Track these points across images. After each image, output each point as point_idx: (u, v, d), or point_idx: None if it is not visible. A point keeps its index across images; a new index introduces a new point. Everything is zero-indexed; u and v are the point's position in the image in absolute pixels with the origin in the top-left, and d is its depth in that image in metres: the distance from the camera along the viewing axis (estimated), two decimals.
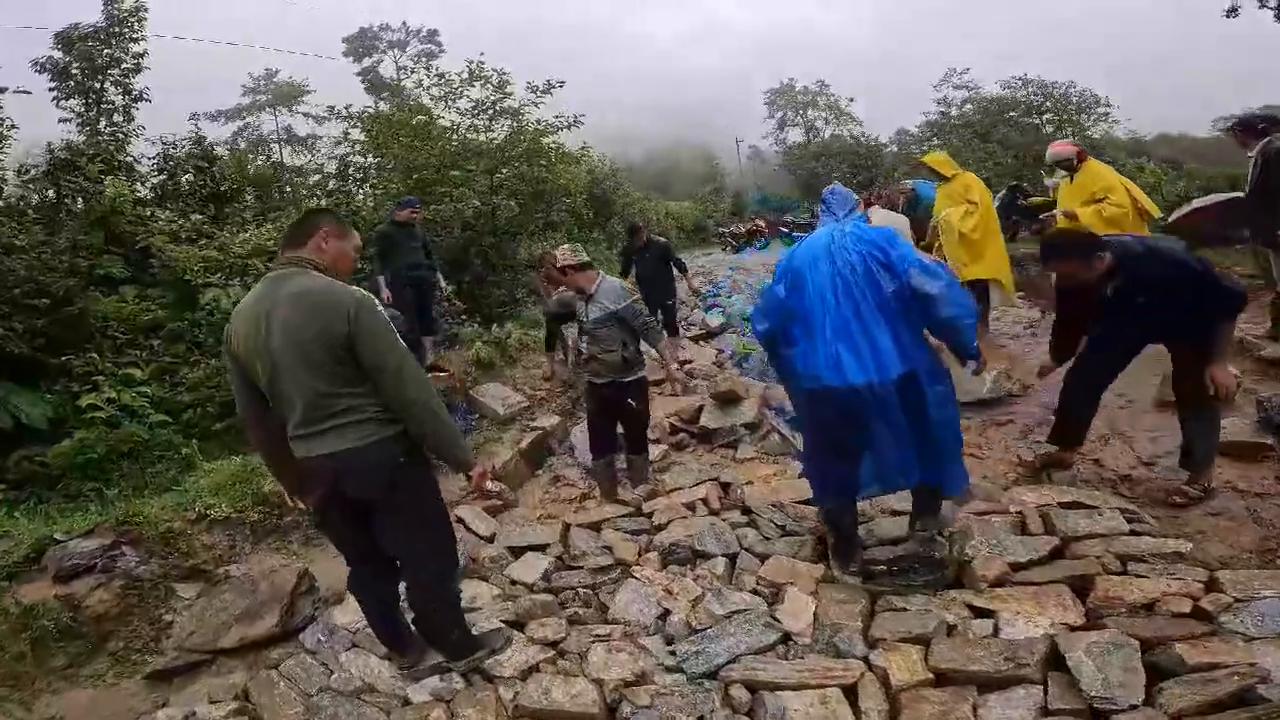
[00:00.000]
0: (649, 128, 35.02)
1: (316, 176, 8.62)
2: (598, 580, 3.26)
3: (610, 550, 3.46)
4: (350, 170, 8.43)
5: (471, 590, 3.26)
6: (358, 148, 8.47)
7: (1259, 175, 4.36)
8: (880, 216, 5.66)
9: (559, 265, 4.23)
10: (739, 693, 2.31)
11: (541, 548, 3.63)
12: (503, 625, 2.89)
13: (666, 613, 2.90)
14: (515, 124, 8.56)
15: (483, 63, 8.21)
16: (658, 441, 5.12)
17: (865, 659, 2.41)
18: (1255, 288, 5.29)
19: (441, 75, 8.15)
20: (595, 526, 3.80)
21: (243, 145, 24.20)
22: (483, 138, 8.55)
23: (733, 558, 3.26)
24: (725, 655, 2.50)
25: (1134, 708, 1.94)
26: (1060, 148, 5.24)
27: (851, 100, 33.19)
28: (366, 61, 35.08)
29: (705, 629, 2.68)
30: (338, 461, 2.19)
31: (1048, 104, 17.41)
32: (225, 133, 30.71)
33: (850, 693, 2.25)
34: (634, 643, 2.72)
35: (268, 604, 3.29)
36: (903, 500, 3.40)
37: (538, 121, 8.65)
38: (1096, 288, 3.13)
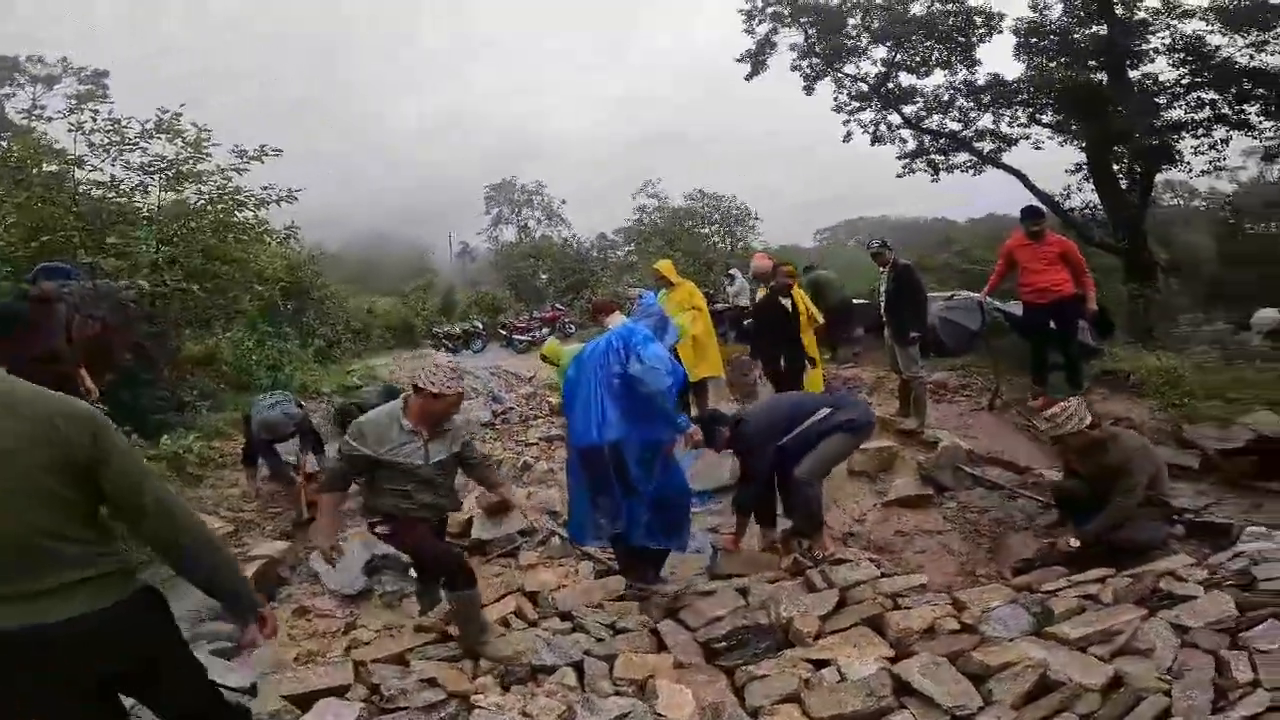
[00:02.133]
0: (353, 214, 32.59)
1: None
2: (433, 718, 2.71)
3: (435, 682, 2.91)
4: None
5: None
6: None
7: (894, 287, 5.91)
8: (617, 320, 6.23)
9: (436, 392, 3.09)
10: None
11: (339, 691, 2.88)
12: None
13: None
14: (214, 189, 7.15)
15: (179, 113, 6.73)
16: None
17: None
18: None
19: (116, 122, 6.36)
20: (399, 659, 3.18)
21: None
22: (155, 199, 6.93)
23: (578, 665, 3.05)
24: None
25: (982, 709, 2.39)
26: (761, 261, 6.46)
27: (564, 202, 35.56)
28: None
29: None
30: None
31: (716, 215, 21.28)
32: None
33: None
34: None
35: None
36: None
37: (237, 190, 7.33)
38: None
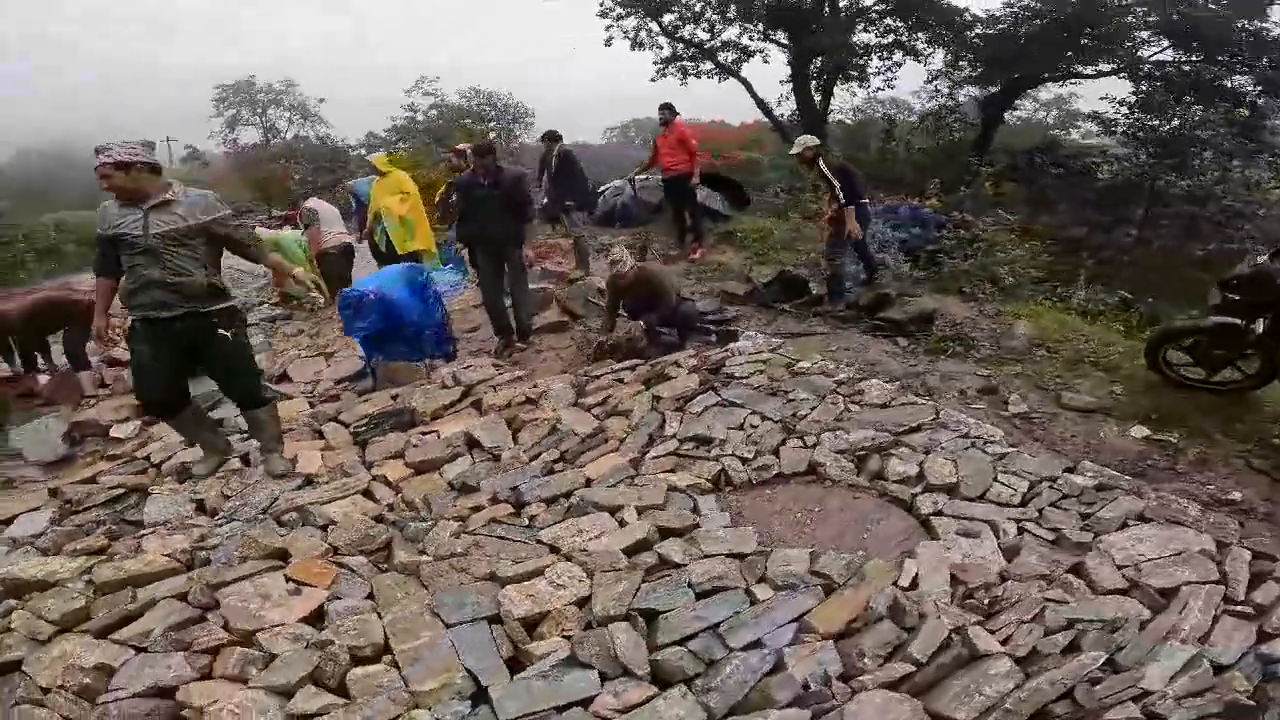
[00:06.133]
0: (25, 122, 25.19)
1: None
2: (120, 507, 3.62)
3: (120, 486, 3.76)
4: None
5: None
6: None
7: (555, 167, 7.34)
8: (321, 207, 7.32)
9: (115, 161, 3.18)
10: (289, 517, 3.33)
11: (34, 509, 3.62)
12: None
13: (199, 503, 3.57)
14: None
15: None
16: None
17: (371, 474, 3.74)
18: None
19: None
20: (90, 480, 3.96)
21: None
22: None
23: (244, 458, 4.06)
24: (268, 499, 3.46)
25: (510, 448, 3.89)
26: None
27: (322, 101, 31.55)
28: None
29: (243, 491, 3.55)
30: None
31: (493, 113, 21.05)
32: None
33: (367, 494, 3.55)
34: (179, 527, 3.36)
35: None
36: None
37: None
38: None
